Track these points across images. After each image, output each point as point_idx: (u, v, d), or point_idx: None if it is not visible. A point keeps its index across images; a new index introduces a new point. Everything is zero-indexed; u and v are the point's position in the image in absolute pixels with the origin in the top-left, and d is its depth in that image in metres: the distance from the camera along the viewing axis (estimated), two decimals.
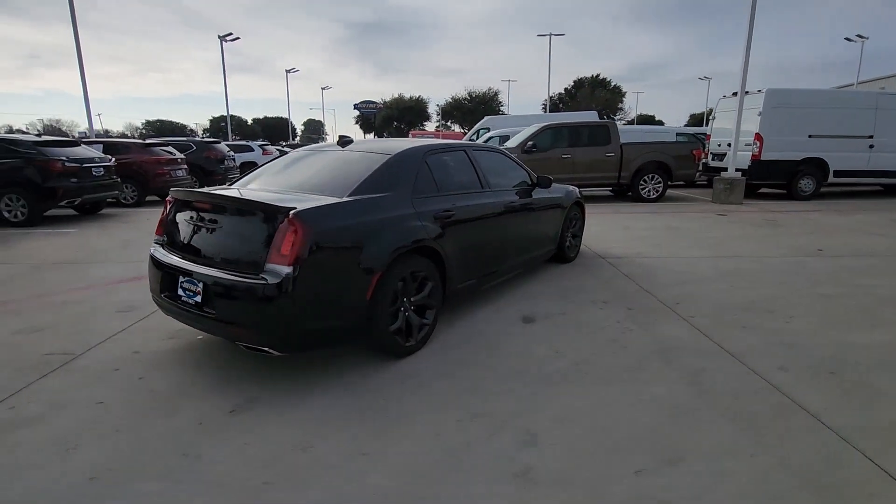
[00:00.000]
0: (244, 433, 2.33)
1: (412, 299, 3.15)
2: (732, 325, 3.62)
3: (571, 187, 5.59)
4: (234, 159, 14.53)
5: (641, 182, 10.82)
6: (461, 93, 61.80)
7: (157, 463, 2.11)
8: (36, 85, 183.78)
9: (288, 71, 37.53)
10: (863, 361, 3.02)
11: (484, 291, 4.36)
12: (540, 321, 3.76)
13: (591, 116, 18.21)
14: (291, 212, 2.52)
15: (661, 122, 57.57)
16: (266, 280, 2.48)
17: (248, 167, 17.19)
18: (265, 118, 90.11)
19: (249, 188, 3.24)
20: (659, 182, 10.83)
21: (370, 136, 72.28)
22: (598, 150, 10.61)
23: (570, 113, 21.79)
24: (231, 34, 25.45)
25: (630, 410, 2.51)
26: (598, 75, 60.45)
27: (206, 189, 2.88)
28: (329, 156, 3.52)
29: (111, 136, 45.79)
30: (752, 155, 10.79)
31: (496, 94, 60.46)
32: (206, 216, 2.83)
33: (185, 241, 2.92)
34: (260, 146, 18.43)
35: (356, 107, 54.73)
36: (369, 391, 2.71)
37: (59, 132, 75.70)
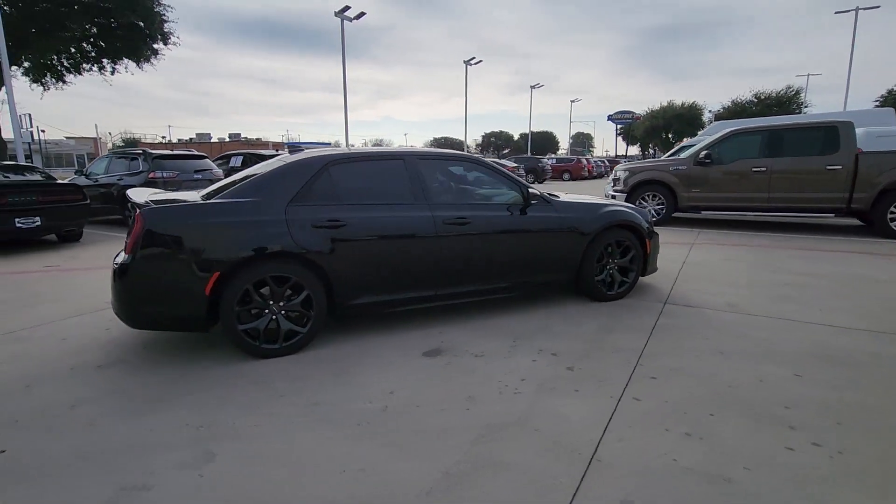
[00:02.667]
0: (71, 384, 2.89)
1: (282, 304, 3.21)
2: (677, 427, 2.37)
3: (617, 207, 4.41)
4: None
5: (894, 208, 7.34)
6: (745, 95, 52.19)
7: (7, 387, 2.86)
8: (378, 113, 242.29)
9: (533, 87, 38.96)
10: None
11: (428, 311, 3.97)
12: (440, 357, 3.23)
13: (884, 116, 13.09)
14: (141, 209, 2.97)
15: None
16: (116, 264, 3.01)
17: None
18: (532, 132, 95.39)
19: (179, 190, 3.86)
20: None
21: (633, 148, 68.21)
22: (815, 160, 7.68)
23: (837, 112, 15.78)
24: (474, 58, 28.24)
25: (316, 475, 2.03)
26: None
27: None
28: (264, 163, 3.84)
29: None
30: None
31: (796, 92, 48.84)
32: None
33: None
34: None
35: (610, 118, 52.50)
36: (179, 379, 2.91)
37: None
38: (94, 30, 12.27)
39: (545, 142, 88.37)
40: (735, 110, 51.35)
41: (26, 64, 13.03)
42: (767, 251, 6.59)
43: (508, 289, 3.98)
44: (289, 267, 3.18)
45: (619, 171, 9.35)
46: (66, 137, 64.59)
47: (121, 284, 2.96)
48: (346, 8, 19.34)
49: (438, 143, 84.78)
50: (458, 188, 3.91)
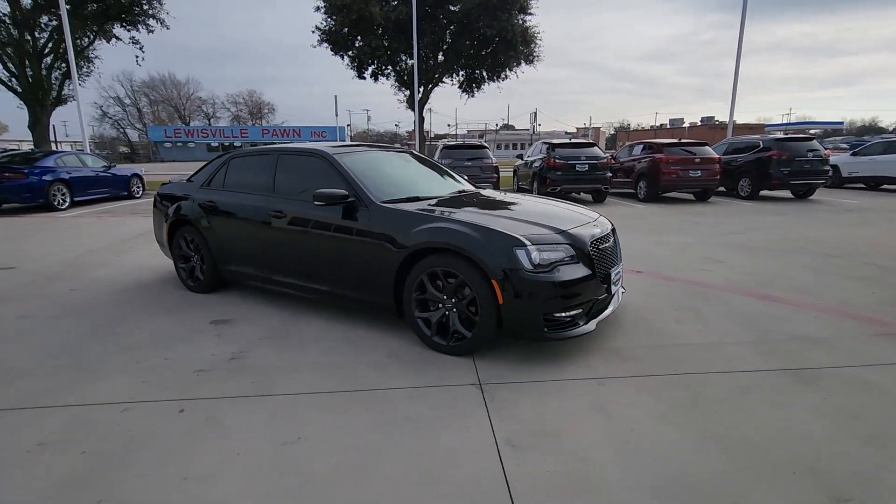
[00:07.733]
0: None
1: (196, 257, 4.55)
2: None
3: (447, 225, 3.03)
4: (815, 161, 11.09)
5: None
6: None
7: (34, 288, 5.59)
8: None
9: None
10: None
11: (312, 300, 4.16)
12: (216, 326, 3.66)
13: None
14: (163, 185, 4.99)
15: None
16: None
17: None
18: None
19: None
20: None
21: None
22: None
23: None
24: None
25: None
26: None
27: None
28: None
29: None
30: None
31: None
32: None
33: None
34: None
35: None
36: (96, 304, 4.79)
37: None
38: (483, 51, 15.89)
39: None
40: None
41: (459, 78, 18.44)
42: None
43: (329, 295, 3.66)
44: (192, 231, 4.46)
45: None
46: (566, 131, 79.48)
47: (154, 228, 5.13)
48: None
49: None
50: (303, 183, 3.82)
